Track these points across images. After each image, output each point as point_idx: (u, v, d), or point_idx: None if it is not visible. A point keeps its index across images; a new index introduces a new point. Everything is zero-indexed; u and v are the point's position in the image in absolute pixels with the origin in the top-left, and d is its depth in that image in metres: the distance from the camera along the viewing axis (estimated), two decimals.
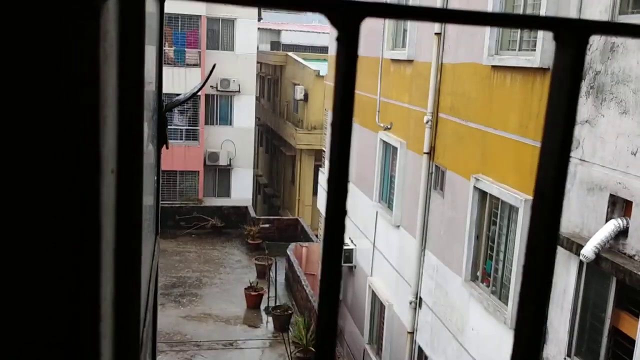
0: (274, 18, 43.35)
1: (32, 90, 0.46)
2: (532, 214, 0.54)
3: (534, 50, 7.56)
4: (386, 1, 6.73)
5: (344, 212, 0.49)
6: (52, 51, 0.46)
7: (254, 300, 17.56)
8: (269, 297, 17.54)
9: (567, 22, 0.51)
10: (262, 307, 17.56)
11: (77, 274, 0.54)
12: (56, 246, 0.52)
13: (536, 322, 0.53)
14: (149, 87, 1.58)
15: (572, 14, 6.75)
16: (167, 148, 1.79)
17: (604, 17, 6.35)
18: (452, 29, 9.88)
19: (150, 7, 1.46)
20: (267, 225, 22.97)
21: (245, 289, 17.82)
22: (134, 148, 0.67)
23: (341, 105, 0.48)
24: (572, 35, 0.51)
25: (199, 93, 24.79)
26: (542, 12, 7.22)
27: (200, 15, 25.43)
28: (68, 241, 0.53)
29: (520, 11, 8.05)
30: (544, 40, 7.24)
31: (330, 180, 0.48)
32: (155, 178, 1.70)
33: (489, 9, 8.41)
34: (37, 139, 0.47)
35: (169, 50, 25.10)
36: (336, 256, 0.49)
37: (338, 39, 0.47)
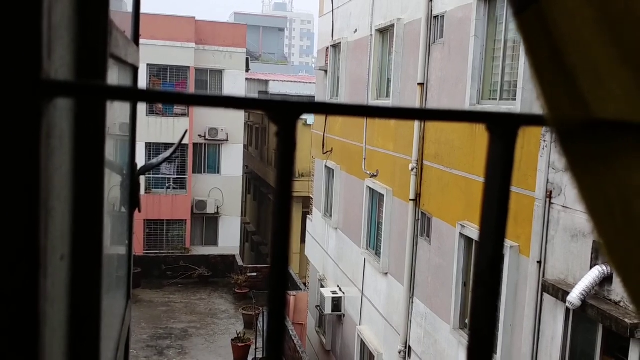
0: (262, 69, 44.01)
1: None
2: (473, 298, 0.55)
3: (515, 100, 7.71)
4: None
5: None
6: None
7: (241, 351, 17.22)
8: (256, 348, 17.21)
9: (497, 116, 0.54)
10: (250, 358, 17.21)
11: None
12: None
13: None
14: (122, 151, 1.60)
15: None
16: (139, 212, 1.81)
17: None
18: (435, 79, 10.08)
19: (123, 77, 1.49)
20: (254, 274, 22.75)
21: (232, 340, 17.49)
22: (92, 231, 0.68)
23: (281, 188, 0.50)
24: (503, 128, 0.54)
25: (185, 142, 24.89)
26: (521, 63, 7.41)
27: (189, 67, 25.75)
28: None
29: (500, 64, 8.24)
30: (524, 90, 7.40)
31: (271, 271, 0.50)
32: (127, 242, 1.71)
33: (470, 60, 8.62)
34: None
35: None
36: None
37: (277, 134, 0.51)
